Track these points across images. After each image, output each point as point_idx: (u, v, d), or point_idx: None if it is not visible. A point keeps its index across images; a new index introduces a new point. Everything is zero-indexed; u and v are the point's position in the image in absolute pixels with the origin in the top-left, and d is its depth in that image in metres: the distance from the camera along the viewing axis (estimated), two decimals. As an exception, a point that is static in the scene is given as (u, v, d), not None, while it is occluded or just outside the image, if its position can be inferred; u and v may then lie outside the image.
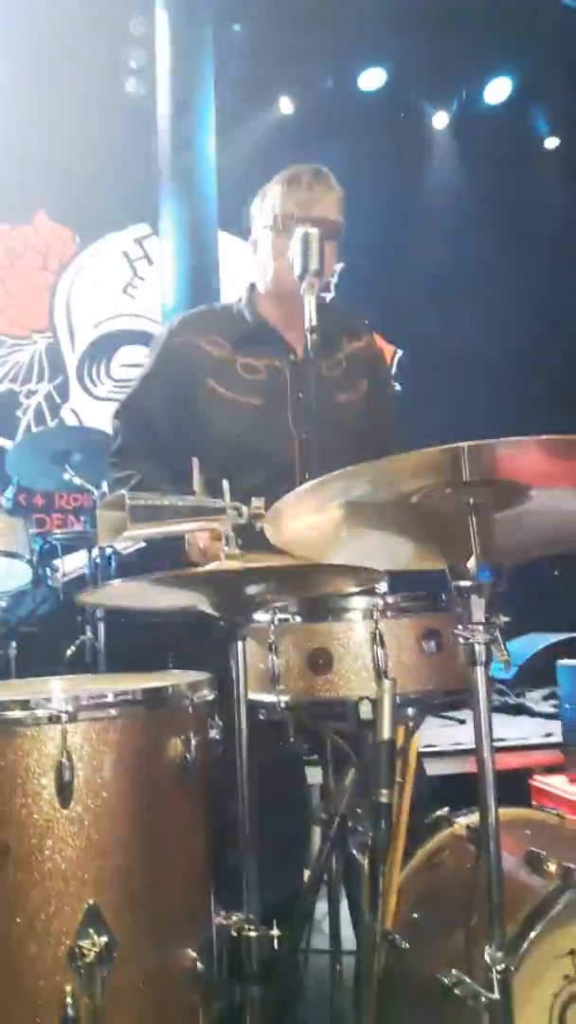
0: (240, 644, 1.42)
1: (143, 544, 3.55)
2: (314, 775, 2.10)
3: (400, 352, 5.73)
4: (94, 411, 5.74)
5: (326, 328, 2.04)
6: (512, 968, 1.17)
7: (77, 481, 3.91)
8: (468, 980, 1.20)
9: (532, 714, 4.16)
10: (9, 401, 5.71)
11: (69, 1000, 1.20)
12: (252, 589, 1.40)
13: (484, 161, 6.22)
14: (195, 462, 1.42)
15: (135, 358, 5.83)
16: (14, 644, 3.79)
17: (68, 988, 1.20)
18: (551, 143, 6.51)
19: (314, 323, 1.74)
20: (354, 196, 2.06)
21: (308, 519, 1.29)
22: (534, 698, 4.28)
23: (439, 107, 6.32)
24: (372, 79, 6.08)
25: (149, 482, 1.99)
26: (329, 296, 2.14)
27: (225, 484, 1.42)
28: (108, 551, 4.08)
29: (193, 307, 2.29)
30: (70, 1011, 1.19)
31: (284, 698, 1.43)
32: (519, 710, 4.21)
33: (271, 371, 1.97)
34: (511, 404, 5.61)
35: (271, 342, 2.01)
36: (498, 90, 6.20)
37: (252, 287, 2.10)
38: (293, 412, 1.94)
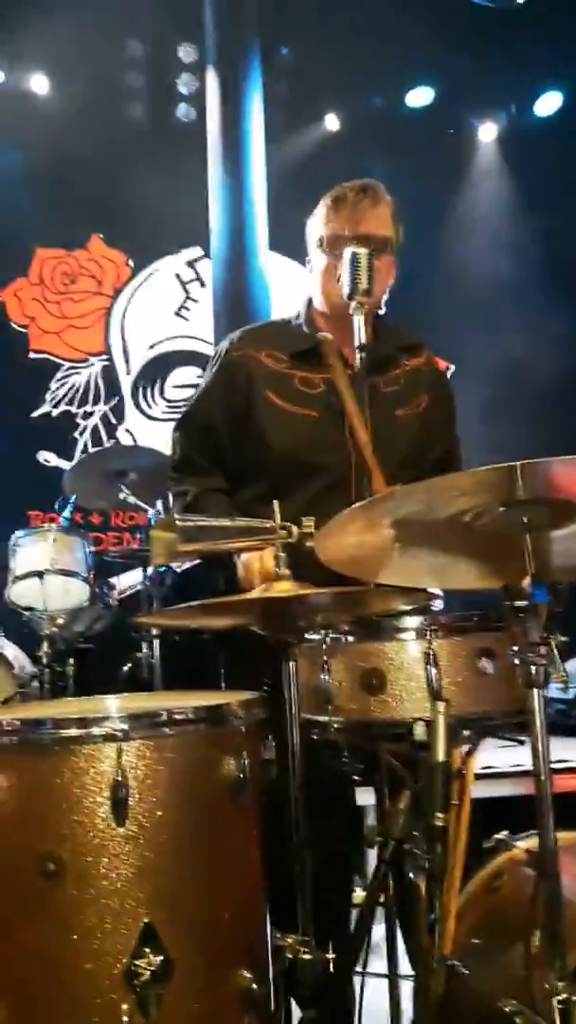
0: (292, 664, 1.42)
1: (198, 560, 3.59)
2: (368, 796, 2.09)
3: (452, 368, 5.71)
4: (149, 431, 5.83)
5: (383, 345, 2.06)
6: (574, 998, 1.14)
7: (132, 500, 3.96)
8: (528, 1009, 1.17)
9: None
10: (67, 423, 5.84)
11: (125, 1019, 1.20)
12: (302, 610, 1.40)
13: (533, 175, 6.18)
14: (275, 504, 1.42)
15: (188, 379, 5.91)
16: (71, 661, 3.85)
17: (124, 1007, 1.20)
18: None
19: (363, 341, 1.74)
20: (403, 213, 2.06)
21: (359, 538, 1.29)
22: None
23: (488, 122, 6.30)
24: (420, 96, 6.10)
25: (205, 497, 2.01)
26: (382, 311, 2.12)
27: (275, 504, 1.43)
28: (162, 568, 4.12)
29: (253, 323, 2.32)
30: (126, 1030, 1.19)
31: (337, 718, 1.43)
32: (580, 731, 4.11)
33: (329, 385, 1.98)
34: (565, 421, 5.54)
35: (328, 358, 2.02)
36: (548, 104, 6.16)
37: (309, 303, 2.11)
38: (348, 426, 1.94)
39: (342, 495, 1.85)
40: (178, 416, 2.19)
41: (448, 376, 2.20)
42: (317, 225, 2.02)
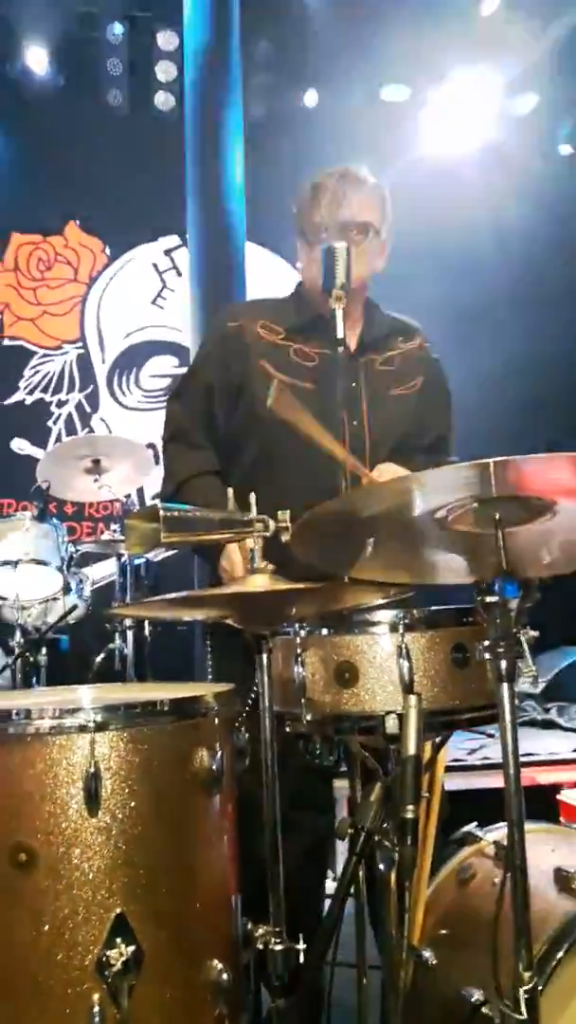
0: (266, 657, 1.43)
1: (174, 552, 3.57)
2: (341, 788, 2.10)
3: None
4: (124, 421, 5.80)
5: (378, 327, 2.04)
6: (540, 987, 1.16)
7: (107, 490, 3.95)
8: (495, 999, 1.19)
9: (562, 729, 4.12)
10: (40, 411, 5.79)
11: (96, 1009, 1.20)
12: (277, 604, 1.40)
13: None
14: (252, 497, 1.42)
15: (164, 368, 5.88)
16: (44, 651, 3.83)
17: (95, 997, 1.21)
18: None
19: (340, 336, 1.74)
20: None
21: (333, 532, 1.29)
22: (565, 713, 4.24)
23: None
24: (396, 92, 6.11)
25: (196, 482, 1.98)
26: (364, 292, 2.09)
27: (252, 497, 1.43)
28: (140, 559, 4.11)
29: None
30: (96, 1019, 1.20)
31: (310, 711, 1.44)
32: (549, 725, 4.17)
33: (324, 359, 1.96)
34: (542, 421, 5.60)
35: (324, 332, 2.00)
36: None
37: (300, 285, 2.10)
38: (344, 400, 1.94)
39: (335, 469, 1.85)
40: (154, 406, 2.18)
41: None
42: (298, 214, 2.00)
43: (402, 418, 2.01)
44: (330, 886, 2.07)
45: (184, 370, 2.20)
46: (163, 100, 5.85)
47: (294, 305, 2.07)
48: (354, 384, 1.95)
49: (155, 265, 6.09)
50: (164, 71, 5.77)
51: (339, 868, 2.39)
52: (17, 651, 3.68)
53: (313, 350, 1.98)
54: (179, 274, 5.98)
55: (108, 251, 6.01)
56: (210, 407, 2.02)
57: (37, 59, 5.65)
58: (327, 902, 2.02)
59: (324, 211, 1.93)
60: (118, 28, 5.65)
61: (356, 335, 2.02)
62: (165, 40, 5.71)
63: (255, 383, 1.96)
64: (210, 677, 2.00)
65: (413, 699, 1.31)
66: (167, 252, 6.09)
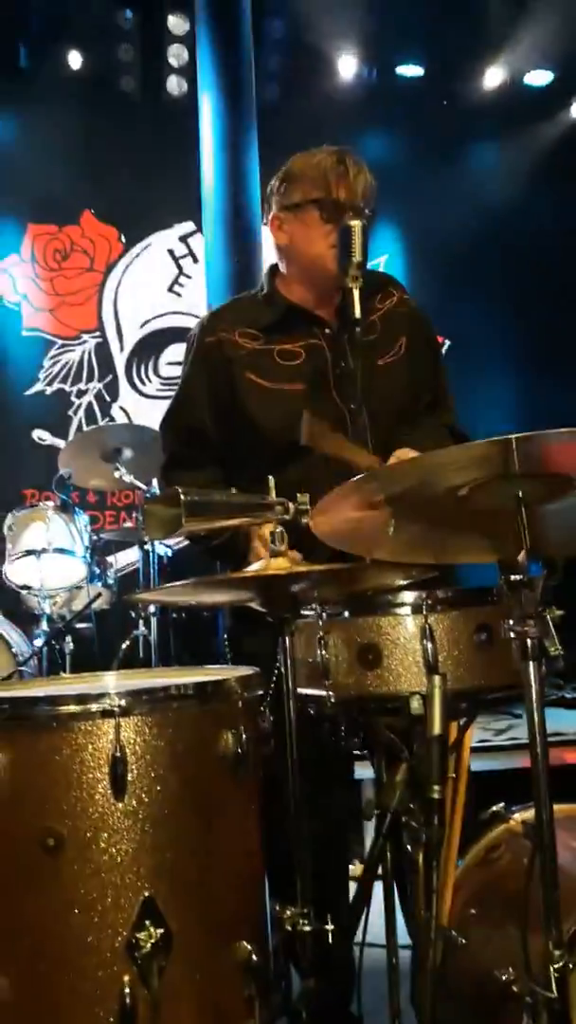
0: (288, 639, 1.43)
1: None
2: (366, 770, 2.10)
3: (448, 343, 5.69)
4: (143, 409, 5.81)
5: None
6: (570, 965, 1.15)
7: (128, 478, 3.96)
8: (525, 978, 1.19)
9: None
10: (61, 401, 5.81)
11: (127, 990, 1.21)
12: (299, 586, 1.40)
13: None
14: (271, 480, 1.41)
15: (182, 355, 5.88)
16: (69, 639, 3.87)
17: (126, 979, 1.22)
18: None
19: (358, 315, 1.72)
20: (399, 182, 2.02)
21: (355, 513, 1.28)
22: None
23: (476, 92, 6.23)
24: (410, 69, 6.03)
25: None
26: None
27: (270, 480, 1.42)
28: (169, 547, 4.13)
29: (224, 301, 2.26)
30: (128, 1001, 1.21)
31: (333, 693, 1.43)
32: (576, 704, 4.15)
33: (309, 351, 1.95)
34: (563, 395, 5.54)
35: (304, 322, 1.98)
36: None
37: (273, 270, 2.06)
38: (337, 384, 1.92)
39: (341, 469, 1.83)
40: (173, 393, 2.16)
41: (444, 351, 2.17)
42: (303, 184, 1.93)
43: (394, 388, 1.96)
44: (358, 868, 2.08)
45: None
46: (175, 85, 5.81)
47: (266, 301, 2.03)
48: (343, 365, 1.91)
49: (171, 252, 6.07)
50: (176, 55, 5.72)
51: (367, 850, 2.40)
52: (43, 640, 3.71)
53: (296, 345, 1.95)
54: (195, 260, 5.96)
55: (124, 239, 6.00)
56: (202, 428, 2.00)
57: (48, 48, 5.63)
58: (352, 884, 2.03)
59: (351, 191, 1.89)
60: (129, 13, 5.61)
61: (334, 311, 1.98)
62: (176, 24, 5.67)
63: (244, 395, 1.94)
64: (229, 659, 2.00)
65: (437, 679, 1.30)
66: (183, 239, 6.06)
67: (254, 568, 1.39)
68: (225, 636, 2.07)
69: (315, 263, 1.94)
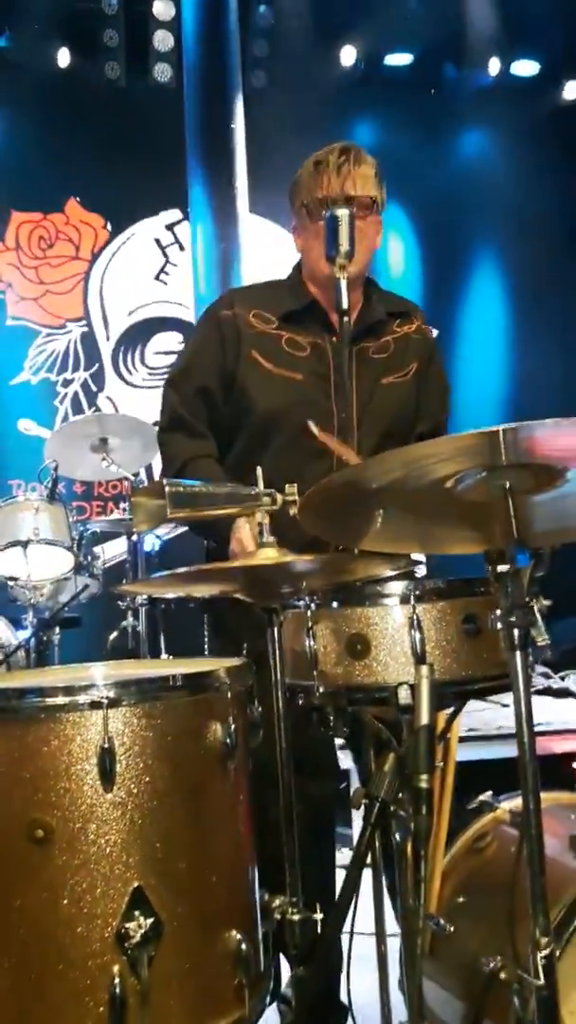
0: (276, 630, 1.43)
1: (184, 529, 3.57)
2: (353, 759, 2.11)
3: (435, 332, 5.70)
4: (130, 398, 5.78)
5: (374, 311, 2.03)
6: (557, 953, 1.16)
7: (115, 468, 3.94)
8: (513, 965, 1.20)
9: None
10: (46, 391, 5.77)
11: (117, 980, 1.22)
12: (287, 577, 1.39)
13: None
14: (259, 471, 1.42)
15: (169, 345, 5.85)
16: (57, 631, 3.85)
17: (115, 969, 1.22)
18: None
19: (346, 306, 1.72)
20: (388, 169, 2.02)
21: (342, 505, 1.28)
22: (577, 681, 4.23)
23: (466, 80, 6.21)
24: (400, 58, 6.00)
25: (195, 464, 1.97)
26: (365, 274, 2.08)
27: (258, 471, 1.42)
28: (159, 537, 4.11)
29: (223, 291, 2.28)
30: (117, 991, 1.21)
31: (322, 683, 1.44)
32: (564, 694, 4.18)
33: (315, 349, 1.96)
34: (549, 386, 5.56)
35: (317, 321, 2.00)
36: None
37: (299, 267, 2.09)
38: (335, 389, 1.93)
39: (327, 459, 1.84)
40: (160, 383, 2.17)
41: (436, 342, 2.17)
42: (299, 190, 1.99)
43: (392, 408, 2.00)
44: (347, 856, 2.09)
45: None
46: (161, 71, 5.76)
47: (289, 290, 2.06)
48: (345, 373, 1.93)
49: (157, 240, 6.03)
50: (161, 41, 5.67)
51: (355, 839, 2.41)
52: (30, 631, 3.70)
53: (305, 339, 1.98)
54: (182, 248, 5.93)
55: (109, 227, 5.95)
56: (207, 394, 2.02)
57: (32, 33, 5.56)
58: (340, 872, 2.04)
59: (330, 186, 1.92)
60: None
61: (352, 320, 2.00)
62: (162, 9, 5.61)
63: (246, 373, 1.96)
64: (207, 652, 2.01)
65: (425, 669, 1.30)
66: (169, 227, 6.02)
67: (242, 560, 1.38)
68: (207, 622, 2.08)
69: (314, 268, 1.98)
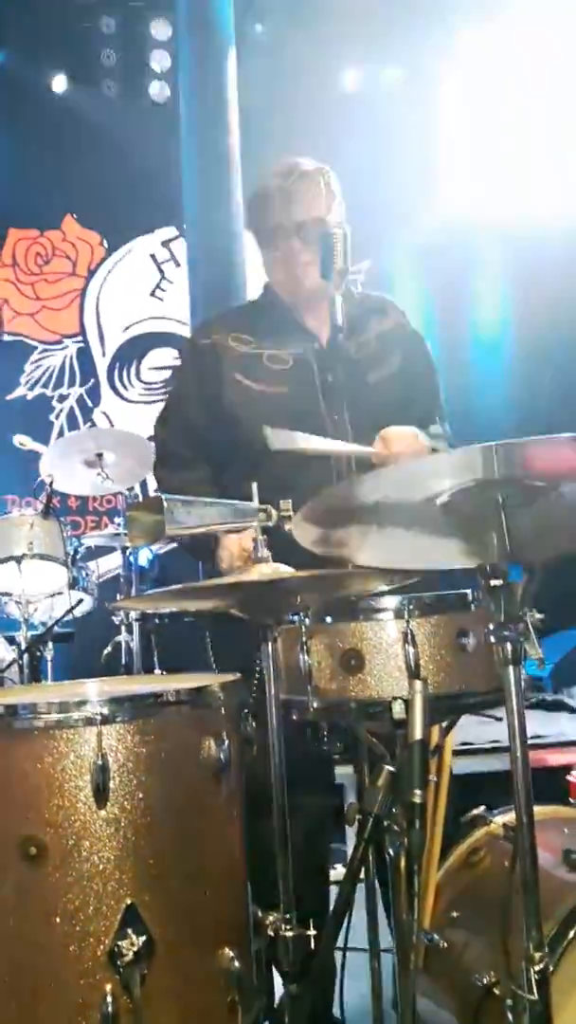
0: (270, 646, 1.43)
1: (174, 544, 3.57)
2: (348, 775, 2.10)
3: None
4: (125, 414, 5.79)
5: (352, 313, 2.04)
6: (550, 967, 1.16)
7: (110, 483, 3.94)
8: (506, 980, 1.19)
9: (571, 711, 4.11)
10: (42, 406, 5.78)
11: (109, 999, 1.21)
12: (281, 592, 1.40)
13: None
14: (254, 487, 1.44)
15: (164, 360, 5.87)
16: (51, 646, 3.84)
17: (108, 987, 1.22)
18: None
19: (340, 323, 1.73)
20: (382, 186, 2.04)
21: (336, 519, 1.29)
22: (573, 695, 4.23)
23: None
24: (393, 77, 6.06)
25: (189, 491, 1.99)
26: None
27: (253, 486, 1.43)
28: (152, 554, 4.11)
29: (220, 308, 2.31)
30: (109, 1009, 1.20)
31: (316, 698, 1.44)
32: (558, 707, 4.17)
33: (297, 359, 1.98)
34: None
35: (294, 331, 2.01)
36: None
37: (268, 285, 2.12)
38: (323, 395, 1.94)
39: (323, 466, 1.85)
40: (155, 399, 2.20)
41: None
42: (253, 218, 2.03)
43: (383, 404, 2.00)
44: (341, 872, 2.08)
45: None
46: (158, 90, 5.81)
47: (263, 309, 2.10)
48: (331, 378, 1.95)
49: (153, 256, 6.06)
50: (158, 60, 5.72)
51: (349, 854, 2.40)
52: (24, 646, 3.69)
53: (286, 352, 1.99)
54: (177, 265, 5.96)
55: (106, 244, 5.98)
56: (194, 425, 2.05)
57: (30, 51, 5.61)
58: (334, 888, 2.03)
59: (277, 215, 1.97)
60: (111, 18, 5.61)
61: (328, 325, 2.01)
62: (158, 29, 5.67)
63: (231, 396, 1.98)
64: (214, 667, 2.00)
65: (419, 684, 1.30)
66: (165, 243, 6.06)
67: (237, 576, 1.38)
68: (207, 639, 2.08)
69: (297, 280, 2.00)
